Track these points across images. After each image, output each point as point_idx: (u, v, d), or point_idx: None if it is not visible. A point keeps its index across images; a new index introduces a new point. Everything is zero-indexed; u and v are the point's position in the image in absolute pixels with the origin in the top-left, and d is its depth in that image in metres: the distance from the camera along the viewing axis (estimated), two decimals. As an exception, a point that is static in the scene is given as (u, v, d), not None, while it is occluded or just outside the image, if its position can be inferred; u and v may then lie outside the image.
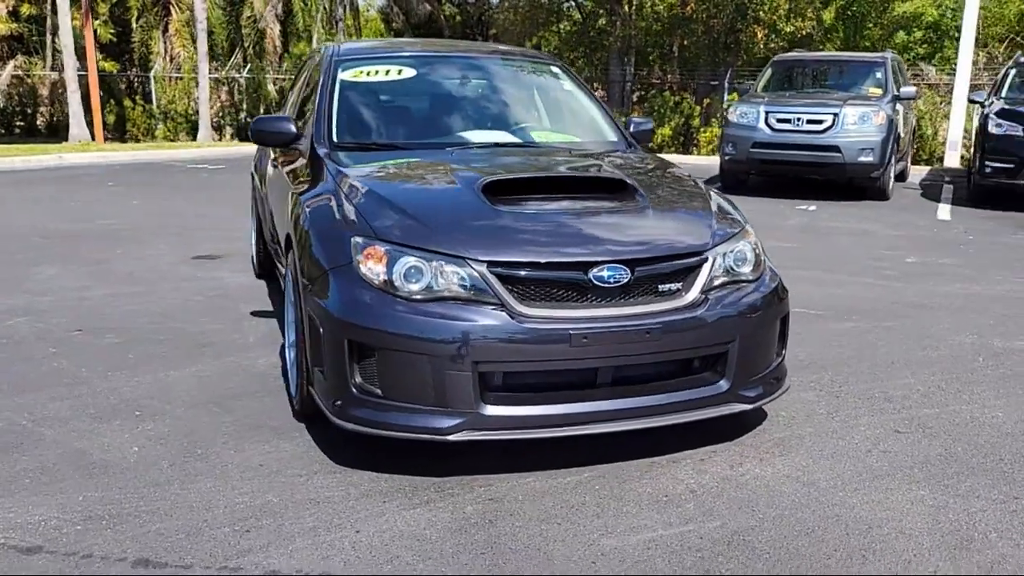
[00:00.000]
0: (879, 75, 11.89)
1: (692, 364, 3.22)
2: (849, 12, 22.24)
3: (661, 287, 3.12)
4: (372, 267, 3.06)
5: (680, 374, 3.20)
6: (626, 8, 19.99)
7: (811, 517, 2.85)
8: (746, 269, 3.33)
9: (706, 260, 3.20)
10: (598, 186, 3.58)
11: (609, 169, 3.82)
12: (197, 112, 22.70)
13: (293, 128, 4.18)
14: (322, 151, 3.97)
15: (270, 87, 24.36)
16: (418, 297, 2.98)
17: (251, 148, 18.55)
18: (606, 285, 3.02)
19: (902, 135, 11.79)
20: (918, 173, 14.10)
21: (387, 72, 4.52)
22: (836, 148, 10.63)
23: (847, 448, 3.39)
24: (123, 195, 10.78)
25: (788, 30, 17.62)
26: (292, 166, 4.28)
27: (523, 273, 2.99)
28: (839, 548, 2.66)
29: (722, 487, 3.05)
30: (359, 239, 3.14)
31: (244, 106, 23.36)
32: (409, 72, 4.54)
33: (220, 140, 21.83)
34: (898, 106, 11.45)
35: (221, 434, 3.49)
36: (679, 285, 3.15)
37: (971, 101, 12.68)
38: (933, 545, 2.68)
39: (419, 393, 2.96)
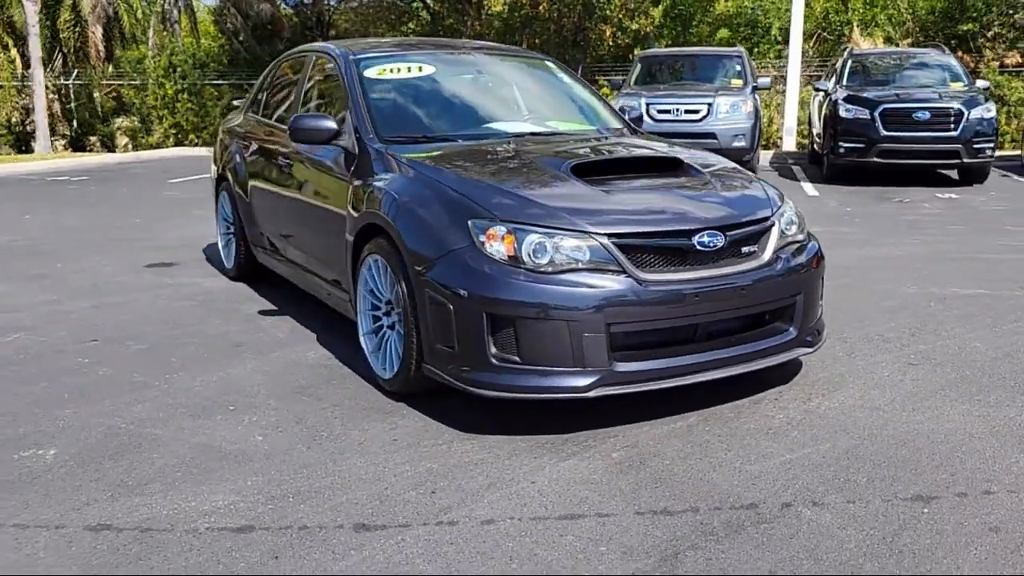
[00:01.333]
0: (738, 67, 12.98)
1: (766, 316, 3.68)
2: (676, 11, 23.75)
3: (744, 249, 3.57)
4: (496, 246, 3.33)
5: (759, 325, 3.66)
6: (475, 10, 20.48)
7: (896, 433, 3.38)
8: (794, 231, 3.84)
9: (773, 224, 3.69)
10: (662, 165, 3.98)
11: (658, 150, 4.24)
12: (23, 123, 21.27)
13: (334, 125, 4.31)
14: (375, 145, 4.14)
15: (96, 94, 23.12)
16: (549, 270, 3.28)
17: (98, 159, 17.58)
18: (705, 249, 3.43)
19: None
20: (764, 157, 15.42)
21: (408, 69, 4.72)
22: (713, 135, 11.53)
23: (883, 380, 3.97)
24: (5, 212, 10.12)
25: (633, 27, 18.68)
26: (332, 162, 4.40)
27: (640, 242, 3.36)
28: (935, 453, 3.20)
29: (809, 418, 3.54)
30: (477, 221, 3.39)
31: (76, 114, 22.04)
32: (429, 69, 4.76)
33: (56, 151, 20.51)
34: (756, 95, 12.56)
35: (332, 418, 3.63)
36: (755, 247, 3.61)
37: (816, 89, 14.00)
38: (1001, 443, 3.28)
39: (558, 356, 3.25)
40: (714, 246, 3.45)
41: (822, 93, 13.75)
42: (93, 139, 21.69)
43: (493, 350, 3.30)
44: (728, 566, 2.48)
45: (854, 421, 3.51)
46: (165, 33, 21.77)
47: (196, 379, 4.13)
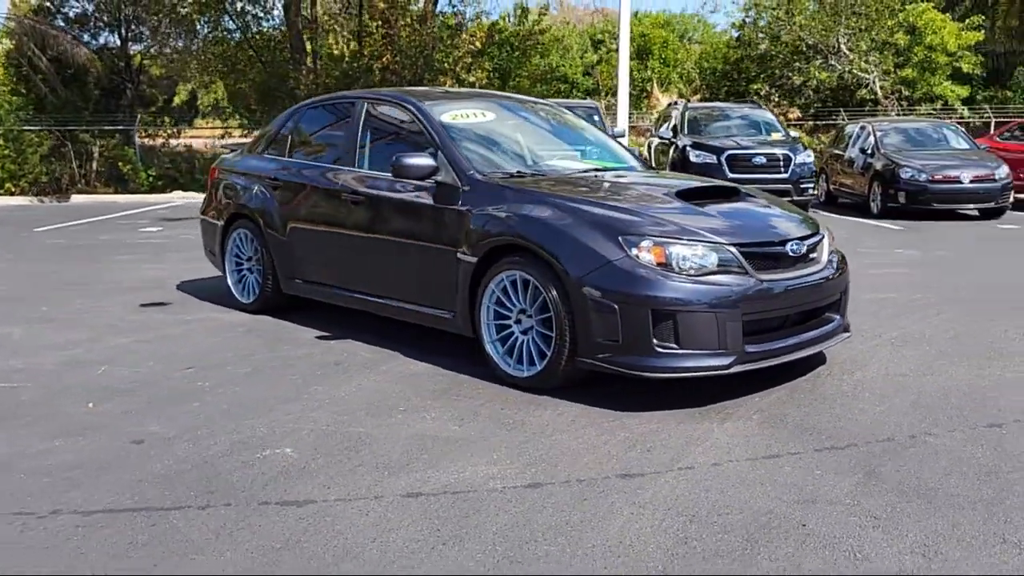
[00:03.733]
0: (596, 118, 14.35)
1: (821, 308, 4.70)
2: (496, 64, 25.29)
3: (811, 255, 4.58)
4: (646, 257, 4.12)
5: (817, 315, 4.67)
6: (310, 60, 20.87)
7: (935, 388, 4.49)
8: (830, 241, 4.90)
9: (824, 235, 4.73)
10: (727, 192, 4.92)
11: (709, 181, 5.20)
12: None
13: (434, 162, 4.91)
14: (478, 178, 4.79)
15: None
16: (693, 273, 4.11)
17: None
18: (793, 255, 4.41)
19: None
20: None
21: (475, 115, 5.39)
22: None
23: (891, 356, 5.10)
24: None
25: (470, 80, 19.82)
26: (426, 196, 4.96)
27: (755, 250, 4.28)
28: (972, 397, 4.32)
29: (865, 384, 4.58)
30: (627, 237, 4.17)
31: None
32: (490, 115, 5.47)
33: None
34: (613, 143, 13.99)
35: (500, 410, 4.22)
36: (816, 254, 4.64)
37: (660, 138, 15.72)
38: (1009, 388, 4.46)
39: (708, 341, 4.08)
40: (799, 252, 4.43)
41: (659, 139, 15.53)
42: None
43: (654, 340, 4.07)
44: (921, 471, 3.41)
45: (899, 382, 4.59)
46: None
47: (339, 390, 4.54)
